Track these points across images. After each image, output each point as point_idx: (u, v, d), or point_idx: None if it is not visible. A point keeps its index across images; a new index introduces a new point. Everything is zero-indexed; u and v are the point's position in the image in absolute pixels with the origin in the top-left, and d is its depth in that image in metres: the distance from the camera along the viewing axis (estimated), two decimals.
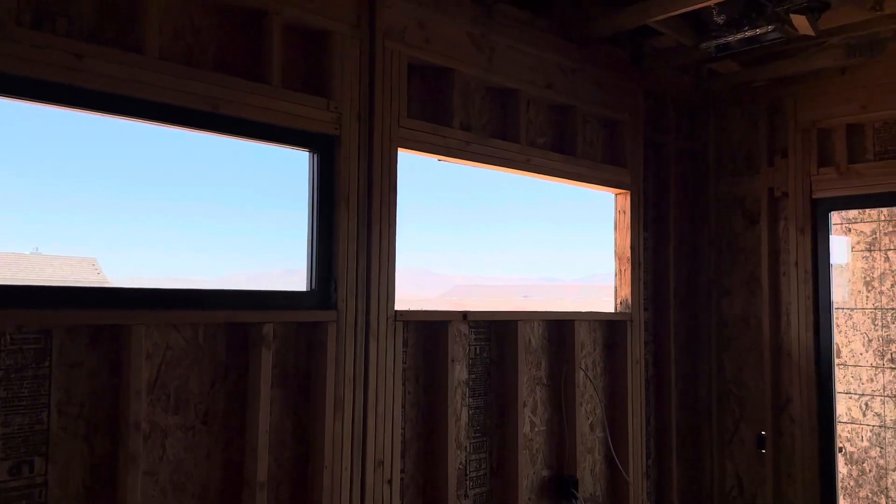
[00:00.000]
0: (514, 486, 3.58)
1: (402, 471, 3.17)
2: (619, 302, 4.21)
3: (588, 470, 4.00)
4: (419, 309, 3.25)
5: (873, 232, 5.54)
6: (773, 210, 4.41)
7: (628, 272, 4.16)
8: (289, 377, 2.86)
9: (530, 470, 3.70)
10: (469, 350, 3.49)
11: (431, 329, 3.32)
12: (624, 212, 4.21)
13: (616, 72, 4.13)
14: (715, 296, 4.63)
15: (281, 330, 2.83)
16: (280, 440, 2.82)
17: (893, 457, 5.39)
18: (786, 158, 4.34)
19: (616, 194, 4.24)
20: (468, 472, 3.47)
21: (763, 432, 4.37)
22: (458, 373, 3.41)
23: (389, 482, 3.06)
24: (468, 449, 3.47)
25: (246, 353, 2.72)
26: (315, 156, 3.00)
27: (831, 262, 4.23)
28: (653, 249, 4.44)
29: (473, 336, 3.52)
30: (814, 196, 4.21)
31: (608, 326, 4.15)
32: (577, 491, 3.83)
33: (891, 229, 5.45)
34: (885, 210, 5.48)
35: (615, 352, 4.14)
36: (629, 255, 4.16)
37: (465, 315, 3.38)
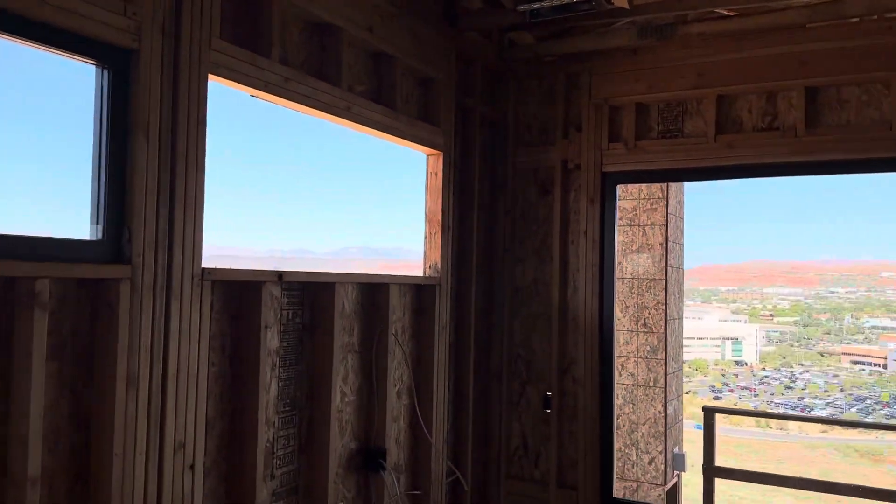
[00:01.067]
0: (323, 461, 3.25)
1: (206, 453, 2.69)
2: (428, 266, 4.05)
3: (394, 439, 3.80)
4: (231, 267, 2.77)
5: (634, 209, 6.04)
6: (566, 181, 4.55)
7: (438, 236, 4.01)
8: (66, 347, 2.25)
9: (339, 443, 3.40)
10: (281, 315, 3.08)
11: (243, 291, 2.85)
12: (436, 174, 4.04)
13: (433, 27, 3.93)
14: (509, 263, 4.67)
15: (58, 288, 2.21)
16: (55, 425, 2.21)
17: (643, 412, 5.96)
18: (580, 132, 4.48)
19: (429, 155, 4.06)
20: (275, 451, 3.07)
21: (549, 393, 4.52)
22: (270, 341, 2.99)
23: (192, 468, 2.57)
24: (276, 425, 3.07)
25: (10, 316, 2.08)
26: (106, 72, 2.37)
27: (616, 232, 4.47)
28: (458, 216, 4.34)
29: (287, 300, 3.11)
30: (604, 169, 4.40)
31: (418, 291, 3.97)
32: (385, 461, 3.61)
33: (648, 207, 5.99)
34: (644, 189, 6.00)
35: (424, 317, 3.98)
36: (440, 218, 4.01)
37: (280, 276, 2.96)
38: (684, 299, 6.34)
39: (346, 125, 3.38)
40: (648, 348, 5.88)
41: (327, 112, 3.19)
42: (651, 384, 5.87)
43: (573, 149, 4.49)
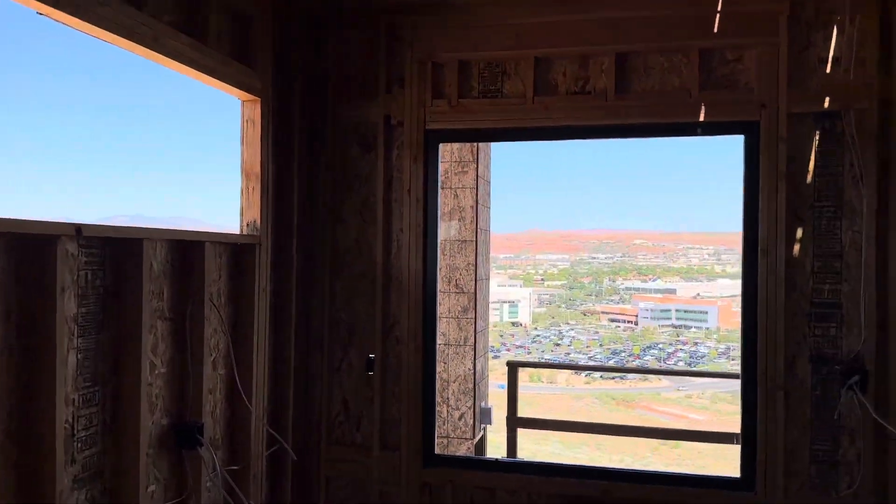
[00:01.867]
0: (131, 441, 2.84)
1: None
2: (245, 224, 3.69)
3: (210, 412, 3.44)
4: (15, 217, 2.27)
5: (445, 172, 6.05)
6: (390, 138, 4.39)
7: (257, 191, 3.67)
8: None
9: (149, 420, 3.00)
10: (79, 277, 2.61)
11: (34, 247, 2.37)
12: (253, 122, 3.68)
13: None
14: (330, 223, 4.44)
15: None
16: None
17: (454, 370, 6.06)
18: (403, 88, 4.34)
19: (245, 101, 3.68)
20: (76, 432, 2.62)
21: (371, 355, 4.39)
22: (67, 306, 2.52)
23: None
24: (77, 403, 2.61)
25: None
26: None
27: (438, 192, 4.41)
28: (276, 171, 4.01)
29: (86, 259, 2.64)
30: (427, 127, 4.30)
31: (235, 251, 3.61)
32: (202, 436, 3.26)
33: (459, 169, 6.03)
34: (455, 151, 6.03)
35: (242, 280, 3.63)
36: (258, 171, 3.66)
37: (78, 230, 2.49)
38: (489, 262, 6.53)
39: (154, 59, 2.93)
40: (459, 308, 5.98)
41: (131, 40, 2.73)
42: (462, 343, 5.98)
43: (396, 105, 4.34)
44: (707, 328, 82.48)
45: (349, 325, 4.45)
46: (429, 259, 4.32)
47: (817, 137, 3.82)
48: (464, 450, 6.01)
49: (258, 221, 3.68)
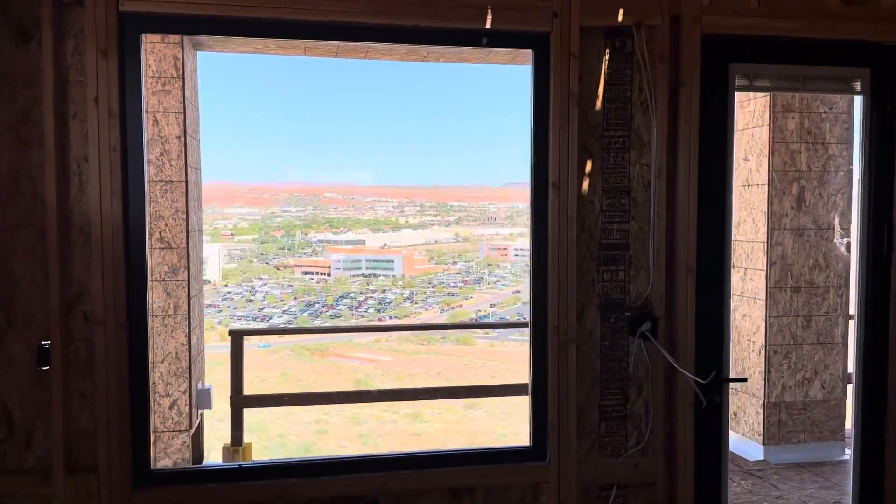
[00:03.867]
0: None
1: None
2: None
3: None
4: None
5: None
6: (61, 22, 2.94)
7: None
8: None
9: None
10: None
11: None
12: None
13: None
14: None
15: None
16: None
17: (162, 347, 4.74)
18: None
19: None
20: None
21: (46, 343, 3.00)
22: None
23: None
24: None
25: None
26: None
27: (143, 99, 3.11)
28: None
29: None
30: (122, 7, 2.96)
31: None
32: None
33: (159, 87, 4.61)
34: (153, 64, 4.58)
35: None
36: None
37: None
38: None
39: None
40: (167, 268, 4.66)
41: None
42: (171, 312, 4.69)
43: None
44: (394, 276, 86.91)
45: (6, 298, 2.99)
46: (132, 199, 3.03)
47: (607, 57, 3.36)
48: (178, 444, 4.79)
49: None
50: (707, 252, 3.40)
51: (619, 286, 3.41)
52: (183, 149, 4.61)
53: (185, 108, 4.63)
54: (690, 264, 3.35)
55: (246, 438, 5.13)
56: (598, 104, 3.34)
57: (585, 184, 3.34)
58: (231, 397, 5.13)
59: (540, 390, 3.34)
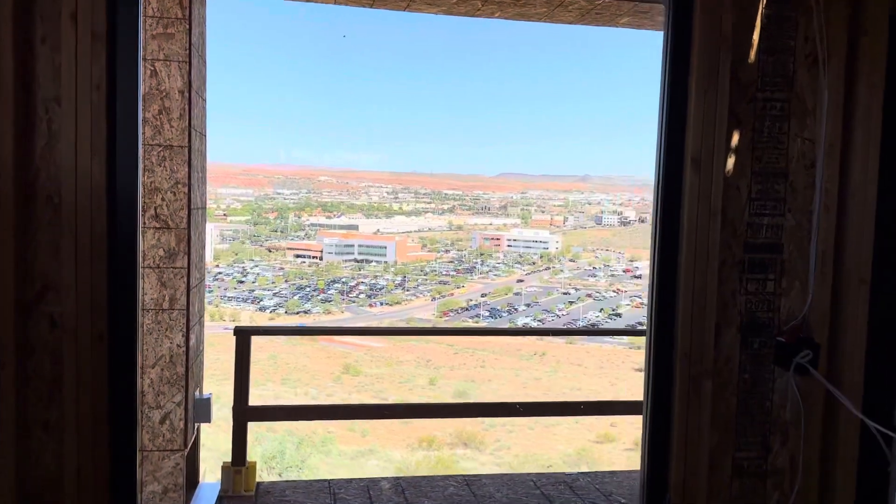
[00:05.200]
0: None
1: None
2: None
3: None
4: None
5: None
6: None
7: None
8: None
9: None
10: None
11: None
12: None
13: None
14: None
15: None
16: None
17: (153, 349, 3.85)
18: None
19: None
20: None
21: None
22: None
23: None
24: None
25: None
26: None
27: (141, 28, 2.22)
28: None
29: None
30: None
31: None
32: None
33: (160, 30, 3.71)
34: (153, 0, 3.67)
35: None
36: None
37: None
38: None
39: None
40: (163, 253, 3.78)
41: None
42: (166, 306, 3.82)
43: None
44: (386, 262, 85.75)
45: None
46: (121, 163, 2.15)
47: None
48: (170, 466, 3.92)
49: None
50: (887, 258, 2.55)
51: (765, 301, 2.56)
52: (187, 107, 3.72)
53: (190, 56, 3.74)
54: (864, 273, 2.50)
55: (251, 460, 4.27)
56: (752, 55, 2.48)
57: (730, 162, 2.48)
58: (234, 408, 4.27)
59: (659, 440, 2.49)
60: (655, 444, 2.47)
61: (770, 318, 2.54)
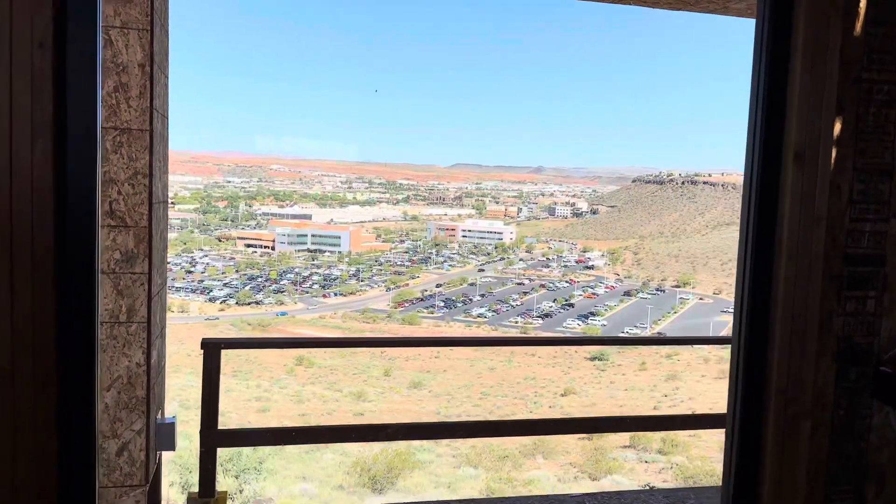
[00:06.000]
0: None
1: None
2: None
3: None
4: None
5: None
6: None
7: None
8: None
9: None
10: None
11: None
12: None
13: None
14: None
15: None
16: None
17: (109, 370, 3.25)
18: None
19: None
20: None
21: None
22: None
23: None
24: None
25: None
26: None
27: None
28: None
29: None
30: None
31: None
32: None
33: None
34: None
35: None
36: None
37: None
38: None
39: None
40: (119, 256, 3.17)
41: None
42: (123, 318, 3.22)
43: None
44: (340, 252, 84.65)
45: None
46: (74, 149, 1.59)
47: None
48: None
49: None
50: None
51: (865, 323, 2.13)
52: (148, 83, 3.11)
53: (152, 24, 3.13)
54: None
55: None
56: (858, 27, 2.04)
57: (832, 155, 2.04)
58: (202, 433, 3.71)
59: (746, 480, 2.05)
60: (740, 488, 2.03)
61: (869, 343, 2.12)
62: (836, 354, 2.12)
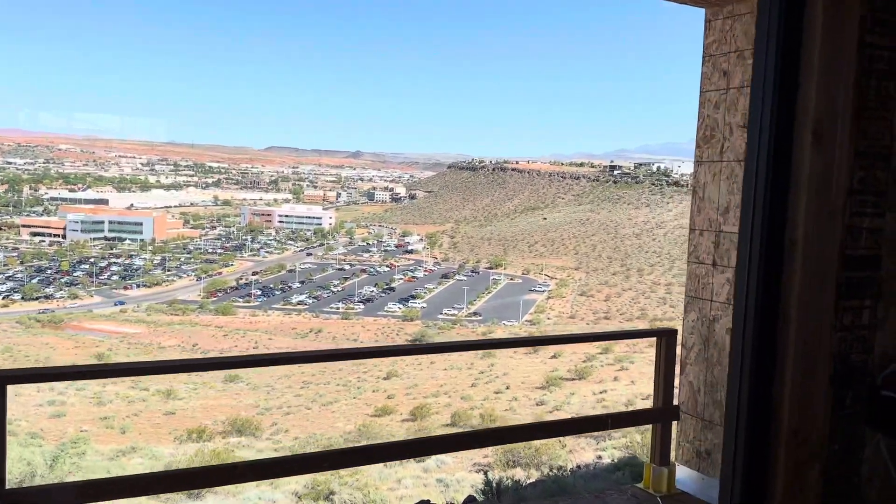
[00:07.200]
0: None
1: None
2: None
3: None
4: None
5: None
6: None
7: None
8: None
9: None
10: None
11: None
12: None
13: None
14: None
15: None
16: None
17: None
18: None
19: None
20: None
21: None
22: None
23: None
24: None
25: None
26: None
27: None
28: None
29: None
30: None
31: None
32: None
33: None
34: None
35: None
36: None
37: None
38: None
39: None
40: None
41: None
42: None
43: None
44: (142, 240, 77.96)
45: None
46: None
47: None
48: None
49: None
50: None
51: (859, 338, 1.77)
52: None
53: None
54: None
55: None
56: None
57: (847, 134, 1.63)
58: None
59: None
60: None
61: (863, 360, 1.75)
62: (832, 378, 1.72)
